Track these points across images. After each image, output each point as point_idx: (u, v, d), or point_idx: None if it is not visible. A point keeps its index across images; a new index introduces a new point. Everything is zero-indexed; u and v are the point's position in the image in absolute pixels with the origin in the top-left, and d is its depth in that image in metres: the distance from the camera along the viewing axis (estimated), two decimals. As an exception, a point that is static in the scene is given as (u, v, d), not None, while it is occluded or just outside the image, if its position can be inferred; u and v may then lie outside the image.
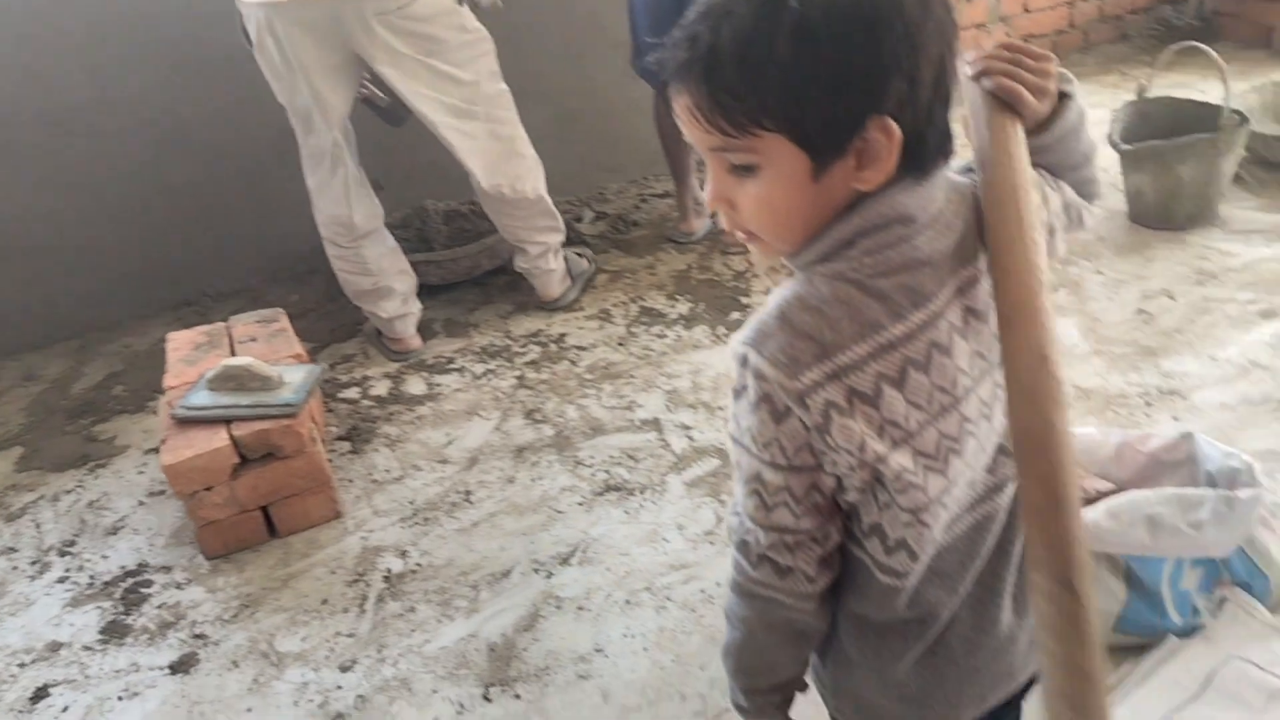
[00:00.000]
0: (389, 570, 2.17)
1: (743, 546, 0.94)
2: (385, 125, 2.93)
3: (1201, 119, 2.99)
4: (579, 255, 3.25)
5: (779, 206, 0.84)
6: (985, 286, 0.88)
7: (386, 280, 2.84)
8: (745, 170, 0.83)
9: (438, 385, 2.82)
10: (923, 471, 0.87)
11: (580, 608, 2.02)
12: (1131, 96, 3.22)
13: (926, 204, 0.85)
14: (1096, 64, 4.36)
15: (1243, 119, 2.95)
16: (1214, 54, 2.88)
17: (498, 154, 2.81)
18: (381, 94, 2.84)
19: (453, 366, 2.90)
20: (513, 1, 3.28)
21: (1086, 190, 1.01)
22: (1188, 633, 1.72)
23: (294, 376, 2.32)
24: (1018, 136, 0.89)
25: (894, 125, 0.79)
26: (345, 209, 2.73)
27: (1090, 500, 1.75)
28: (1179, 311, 2.69)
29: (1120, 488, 1.81)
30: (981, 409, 0.90)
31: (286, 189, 3.29)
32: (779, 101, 0.78)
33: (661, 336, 2.90)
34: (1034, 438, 0.82)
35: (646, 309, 3.06)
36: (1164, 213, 3.05)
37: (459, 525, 2.28)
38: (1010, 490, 0.95)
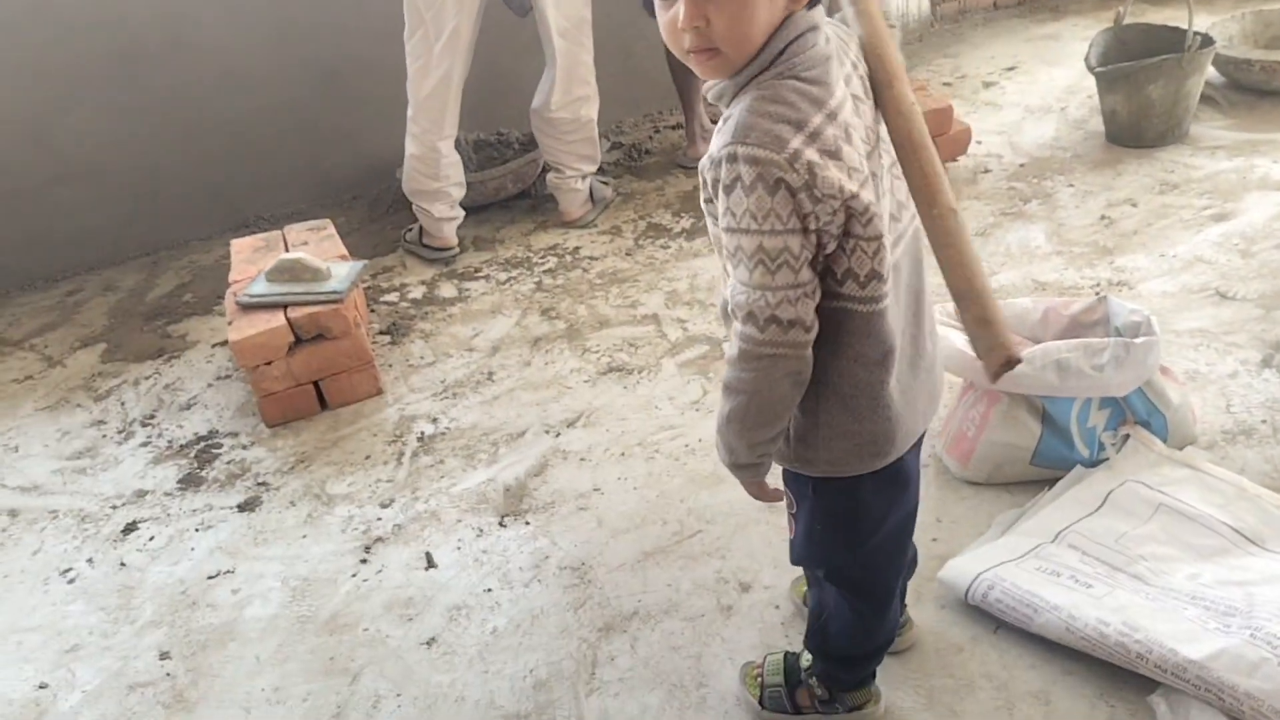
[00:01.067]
0: (422, 433, 2.52)
1: (750, 317, 1.15)
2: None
3: (1172, 43, 3.22)
4: (604, 183, 3.57)
5: (747, 17, 1.10)
6: (856, 75, 1.21)
7: (449, 186, 3.19)
8: None
9: (466, 290, 3.16)
10: (876, 198, 1.18)
11: (583, 459, 2.35)
12: (1109, 25, 3.45)
13: (819, 17, 1.17)
14: (1095, 1, 4.56)
15: (1207, 41, 3.17)
16: (1181, -20, 3.11)
17: (578, 77, 3.16)
18: None
19: (480, 274, 3.24)
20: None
21: None
22: (1094, 464, 2.01)
23: (340, 270, 2.67)
24: None
25: None
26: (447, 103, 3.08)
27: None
28: (1139, 217, 2.94)
29: (1043, 345, 2.09)
30: (883, 147, 1.23)
31: (331, 123, 3.65)
32: None
33: (666, 247, 3.22)
34: (911, 142, 1.21)
35: (654, 224, 3.37)
36: (1136, 131, 3.29)
37: (482, 399, 2.62)
38: (911, 208, 1.27)
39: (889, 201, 1.22)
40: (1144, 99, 3.20)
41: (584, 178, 3.36)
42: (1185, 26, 3.15)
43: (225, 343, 2.96)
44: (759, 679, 1.69)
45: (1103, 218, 2.97)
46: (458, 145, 3.69)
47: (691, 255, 3.14)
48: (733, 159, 1.10)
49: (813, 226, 1.14)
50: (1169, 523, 1.84)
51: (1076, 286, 2.68)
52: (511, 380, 2.68)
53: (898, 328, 1.26)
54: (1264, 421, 2.11)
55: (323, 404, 2.66)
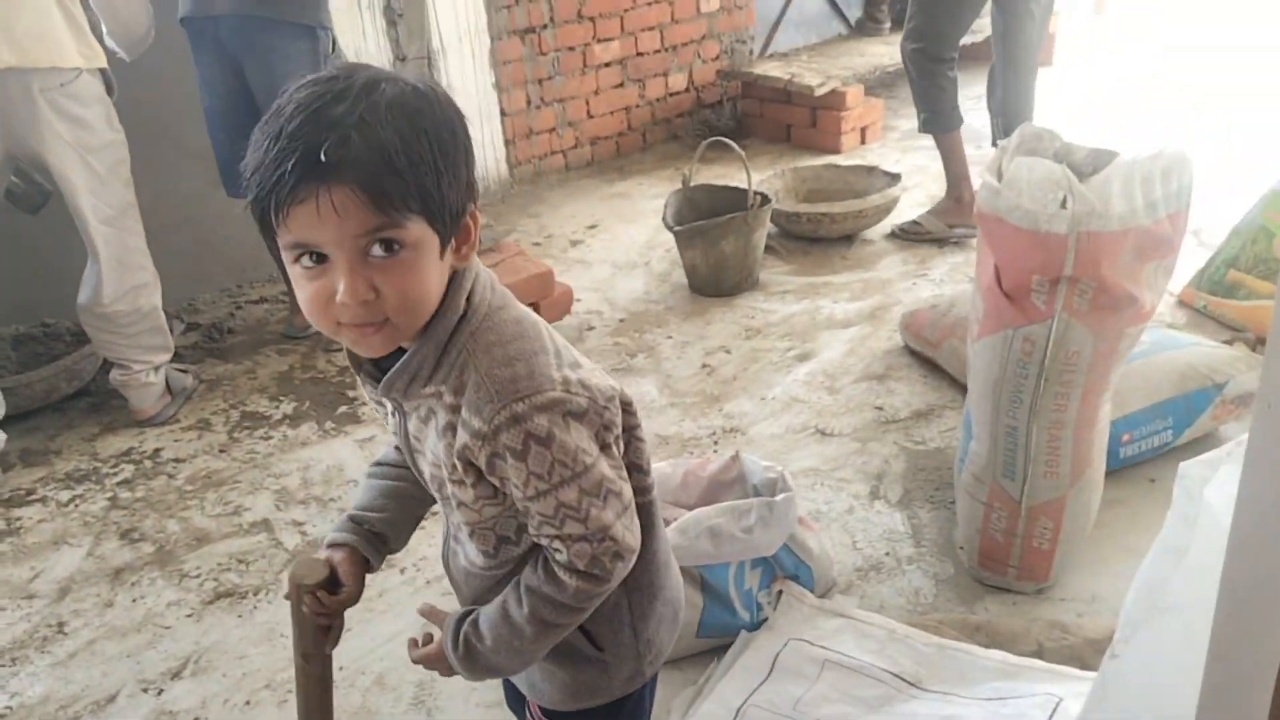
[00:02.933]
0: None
1: (593, 566, 1.04)
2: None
3: (734, 201, 3.51)
4: (181, 370, 3.15)
5: (422, 281, 0.98)
6: None
7: None
8: (390, 250, 0.95)
9: (17, 519, 2.60)
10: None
11: (197, 718, 1.96)
12: (678, 186, 3.71)
13: (475, 263, 1.08)
14: (654, 160, 4.93)
15: (765, 199, 3.50)
16: (736, 146, 3.43)
17: (129, 266, 2.78)
18: (19, 180, 2.77)
19: (33, 497, 2.69)
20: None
21: None
22: (756, 626, 2.01)
23: None
24: None
25: (477, 213, 1.02)
26: None
27: (667, 523, 2.00)
28: (734, 363, 3.12)
29: (690, 509, 2.08)
30: None
31: None
32: (424, 190, 0.95)
33: (267, 438, 2.89)
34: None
35: (249, 413, 3.02)
36: (715, 282, 3.52)
37: (54, 659, 2.13)
38: None
39: None
40: (719, 253, 3.45)
41: (156, 369, 2.94)
42: (744, 186, 3.46)
43: None
44: None
45: (704, 366, 3.11)
46: (-10, 342, 3.14)
47: (299, 445, 2.84)
48: (515, 420, 0.99)
49: (609, 440, 1.06)
50: (836, 679, 1.86)
51: (696, 437, 2.75)
52: (90, 629, 2.21)
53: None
54: (887, 554, 2.25)
55: None
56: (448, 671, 1.19)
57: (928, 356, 2.94)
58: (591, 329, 3.38)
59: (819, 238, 3.82)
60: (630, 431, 1.12)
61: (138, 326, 2.83)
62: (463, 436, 1.02)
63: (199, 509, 2.59)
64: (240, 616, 2.21)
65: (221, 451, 2.84)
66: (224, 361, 3.35)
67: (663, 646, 1.24)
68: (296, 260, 0.97)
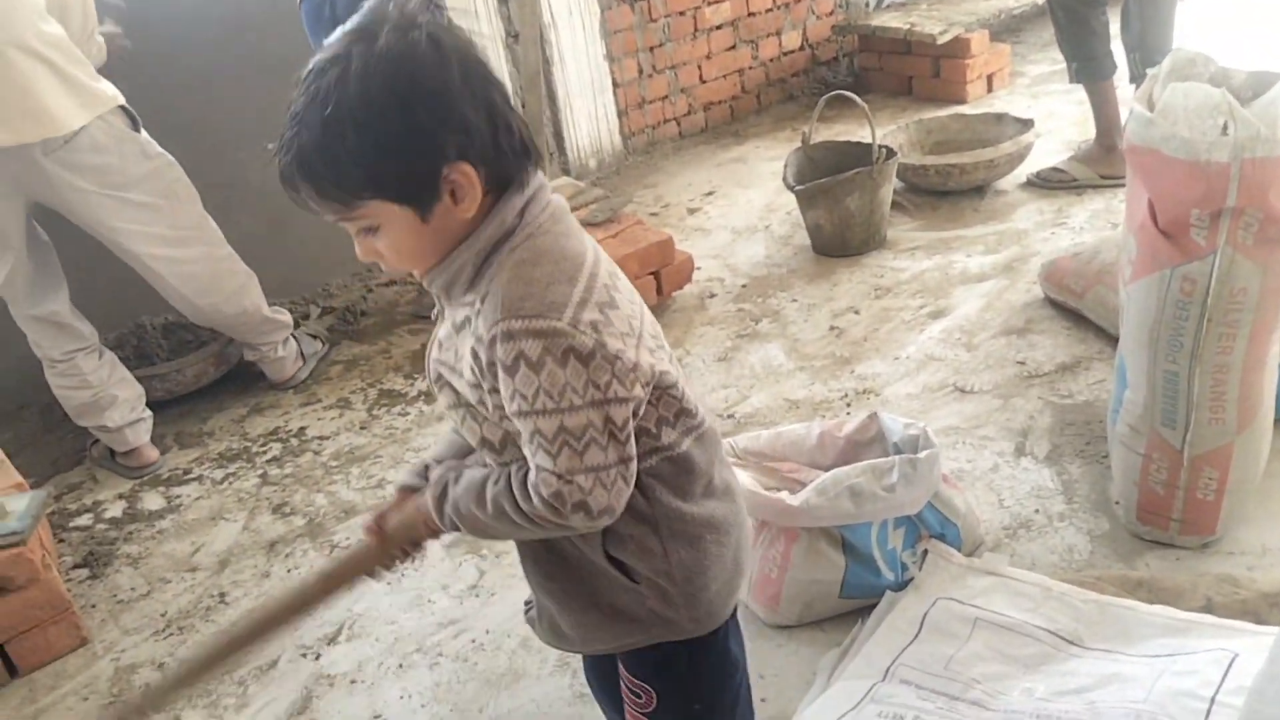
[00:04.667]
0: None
1: (555, 499, 1.04)
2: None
3: (858, 157, 3.42)
4: (311, 336, 3.30)
5: (409, 247, 1.07)
6: None
7: (107, 389, 2.74)
8: (370, 231, 1.06)
9: (176, 497, 2.74)
10: (657, 348, 1.14)
11: (353, 681, 2.03)
12: (796, 146, 3.64)
13: (540, 193, 1.09)
14: (770, 123, 4.85)
15: (890, 153, 3.40)
16: (860, 100, 3.33)
17: (210, 275, 2.83)
18: None
19: (190, 476, 2.82)
20: (208, 112, 3.31)
21: None
22: (901, 586, 1.96)
23: (17, 505, 2.20)
24: None
25: (467, 167, 1.02)
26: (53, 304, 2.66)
27: (803, 485, 1.97)
28: (864, 323, 3.04)
29: (828, 470, 2.04)
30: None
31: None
32: (365, 178, 1.01)
33: (404, 415, 2.96)
34: None
35: (386, 391, 3.10)
36: (840, 241, 3.44)
37: (217, 627, 2.23)
38: None
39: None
40: (844, 211, 3.36)
41: (284, 342, 3.08)
42: (868, 141, 3.36)
43: None
44: None
45: (832, 328, 3.05)
46: (142, 333, 3.30)
47: (435, 419, 2.90)
48: (509, 336, 1.02)
49: (616, 395, 1.04)
50: (989, 637, 1.80)
51: (828, 400, 2.69)
52: (249, 599, 2.30)
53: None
54: (1037, 511, 2.16)
55: (12, 671, 2.15)
56: (422, 530, 1.21)
57: (1071, 307, 2.81)
58: (713, 296, 3.35)
59: (948, 191, 3.69)
60: (663, 390, 1.13)
61: (248, 323, 2.95)
62: (470, 340, 1.07)
63: (344, 483, 2.67)
64: (389, 584, 2.27)
65: (362, 428, 2.92)
66: (359, 343, 3.44)
67: (716, 593, 1.20)
68: None
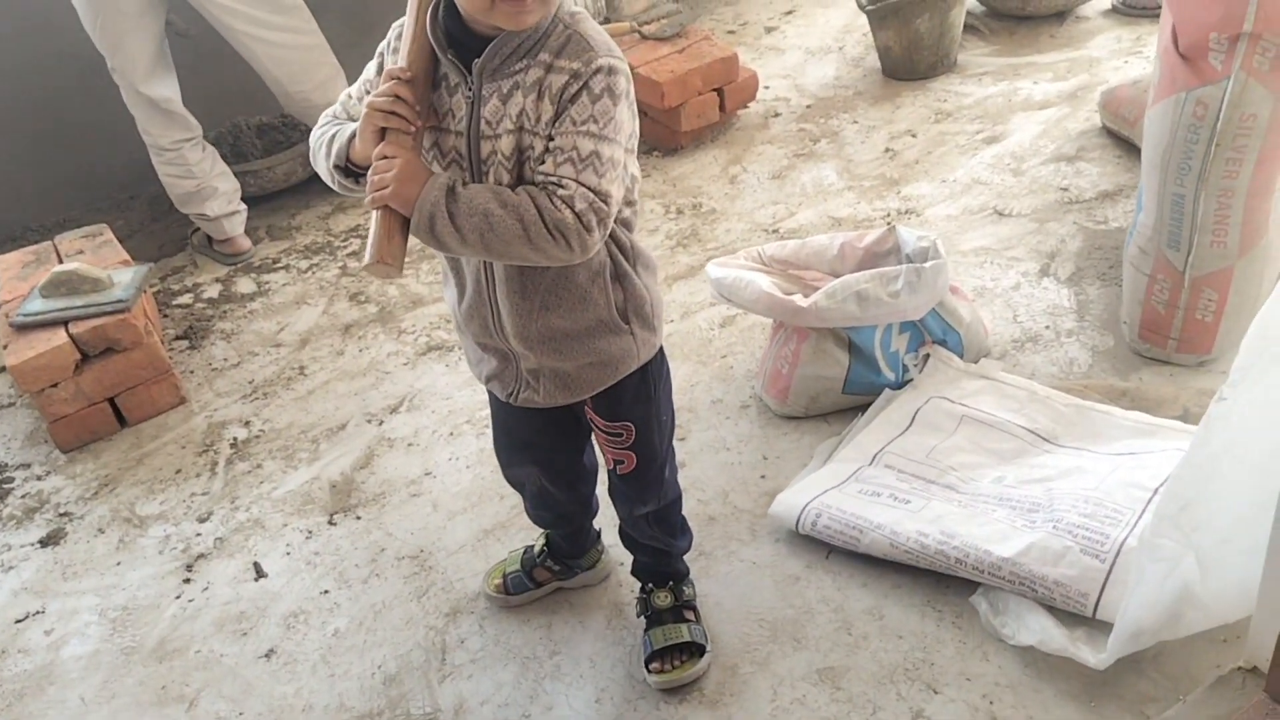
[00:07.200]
0: (235, 438, 2.40)
1: (586, 214, 1.19)
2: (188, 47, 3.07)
3: (933, -23, 3.37)
4: None
5: None
6: None
7: (210, 180, 2.99)
8: None
9: (266, 283, 3.02)
10: None
11: (410, 444, 2.30)
12: (874, -37, 3.58)
13: None
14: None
15: (964, -27, 3.34)
16: (935, -83, 3.25)
17: (301, 63, 2.98)
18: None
19: (279, 265, 3.10)
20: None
21: None
22: (900, 386, 2.11)
23: (123, 277, 2.50)
24: None
25: None
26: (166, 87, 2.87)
27: (817, 287, 2.11)
28: (919, 146, 3.09)
29: (844, 279, 2.17)
30: None
31: (95, 118, 3.38)
32: None
33: (472, 218, 3.15)
34: None
35: (457, 195, 3.29)
36: (909, 64, 3.43)
37: (296, 395, 2.52)
38: None
39: None
40: (913, 33, 3.35)
41: None
42: (943, -39, 3.30)
43: (3, 369, 2.73)
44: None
45: (887, 150, 3.10)
46: (238, 132, 3.53)
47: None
48: (611, 70, 1.21)
49: (632, 147, 1.28)
50: (972, 432, 1.96)
51: (869, 219, 2.79)
52: (325, 372, 2.59)
53: None
54: (1047, 327, 2.27)
55: (121, 421, 2.49)
56: (403, 197, 1.22)
57: (1124, 136, 2.81)
58: (777, 115, 3.41)
59: (1027, 15, 3.61)
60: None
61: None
62: (555, 80, 1.21)
63: (414, 277, 2.91)
64: (447, 366, 2.52)
65: (433, 229, 3.13)
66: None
67: (661, 320, 1.47)
68: None
